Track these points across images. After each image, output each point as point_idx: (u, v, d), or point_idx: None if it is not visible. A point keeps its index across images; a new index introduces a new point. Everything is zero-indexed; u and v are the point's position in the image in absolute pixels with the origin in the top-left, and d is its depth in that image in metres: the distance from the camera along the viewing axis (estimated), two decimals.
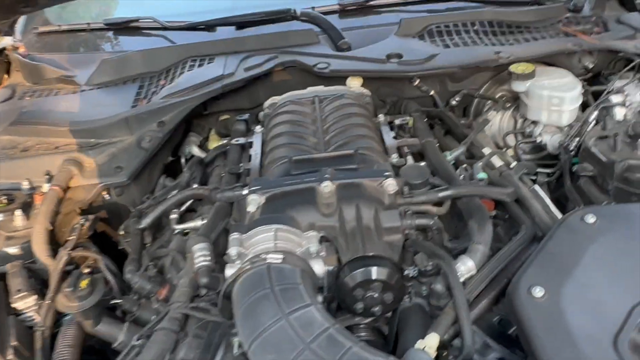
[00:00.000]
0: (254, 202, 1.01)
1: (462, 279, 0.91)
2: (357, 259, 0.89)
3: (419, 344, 0.81)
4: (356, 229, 0.96)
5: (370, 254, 0.90)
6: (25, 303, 1.02)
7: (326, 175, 1.01)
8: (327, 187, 0.98)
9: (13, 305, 1.03)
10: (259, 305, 0.81)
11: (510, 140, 1.48)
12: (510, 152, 1.42)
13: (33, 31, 1.80)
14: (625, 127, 1.22)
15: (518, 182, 1.13)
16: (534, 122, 1.41)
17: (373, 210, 0.98)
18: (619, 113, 1.36)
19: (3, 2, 1.39)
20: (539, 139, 1.40)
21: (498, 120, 1.50)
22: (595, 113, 1.35)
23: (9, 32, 1.72)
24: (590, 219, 0.92)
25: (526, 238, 0.98)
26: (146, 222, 1.16)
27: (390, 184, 0.99)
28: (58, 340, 1.00)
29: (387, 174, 1.02)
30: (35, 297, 1.03)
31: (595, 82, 1.51)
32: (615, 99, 1.38)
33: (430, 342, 0.81)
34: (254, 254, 0.89)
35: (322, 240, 0.94)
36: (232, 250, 0.90)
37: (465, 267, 0.92)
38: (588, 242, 0.88)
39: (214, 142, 1.52)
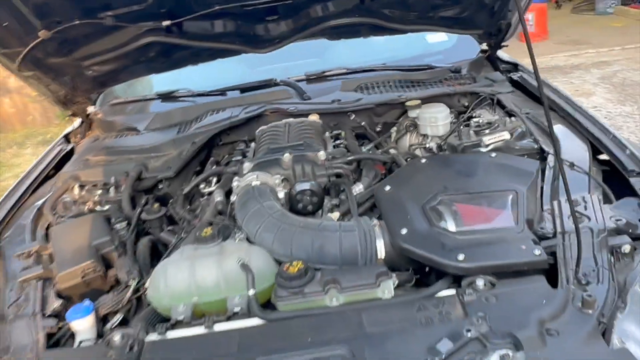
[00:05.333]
0: (247, 166, 1.84)
1: (355, 193, 1.71)
2: (298, 182, 1.71)
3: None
4: (301, 175, 1.77)
5: (305, 180, 1.71)
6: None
7: (287, 153, 1.85)
8: (287, 157, 1.82)
9: None
10: (247, 202, 1.62)
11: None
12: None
13: (108, 104, 2.73)
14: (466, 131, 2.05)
15: (401, 158, 1.94)
16: (426, 135, 2.24)
17: (311, 167, 1.80)
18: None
19: (94, 81, 2.32)
20: (428, 146, 2.23)
21: (408, 138, 2.33)
22: (461, 128, 2.19)
23: (93, 103, 2.64)
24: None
25: None
26: (186, 190, 1.97)
27: (321, 154, 1.82)
28: None
29: (320, 149, 1.85)
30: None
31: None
32: (474, 120, 2.22)
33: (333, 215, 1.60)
34: (245, 183, 1.71)
35: (283, 180, 1.76)
36: (234, 183, 1.72)
37: (358, 188, 1.73)
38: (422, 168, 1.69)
39: None
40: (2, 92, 7.19)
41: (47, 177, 2.29)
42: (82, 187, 2.04)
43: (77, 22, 1.93)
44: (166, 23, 2.05)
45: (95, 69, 2.28)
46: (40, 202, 2.00)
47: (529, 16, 8.07)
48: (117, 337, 1.38)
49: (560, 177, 1.53)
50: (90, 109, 2.63)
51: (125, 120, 2.56)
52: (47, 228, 1.86)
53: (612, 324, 1.25)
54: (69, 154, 2.46)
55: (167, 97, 2.63)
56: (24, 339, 1.41)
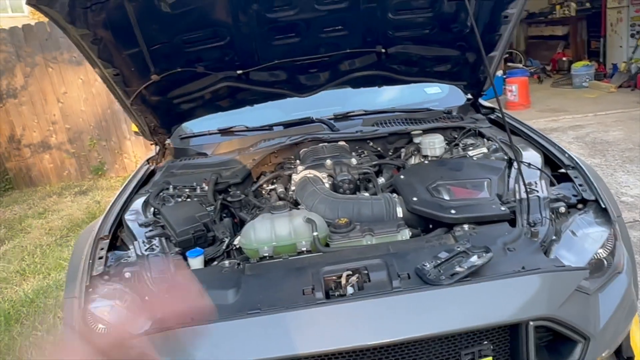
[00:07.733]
0: (300, 168, 2.58)
1: (379, 184, 2.44)
2: (339, 174, 2.45)
3: None
4: (340, 173, 2.51)
5: (345, 172, 2.46)
6: None
7: (328, 159, 2.59)
8: (329, 162, 2.57)
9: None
10: (305, 187, 2.36)
11: None
12: None
13: (178, 137, 3.49)
14: (457, 150, 2.81)
15: (409, 165, 2.69)
16: (427, 156, 2.99)
17: (346, 168, 2.54)
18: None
19: (177, 116, 3.10)
20: None
21: (413, 159, 3.08)
22: (452, 149, 2.95)
23: (169, 135, 3.40)
24: None
25: None
26: (254, 187, 2.69)
27: (353, 160, 2.58)
28: None
29: (352, 158, 2.60)
30: None
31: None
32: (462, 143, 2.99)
33: None
34: (302, 175, 2.45)
35: (328, 176, 2.50)
36: (294, 176, 2.46)
37: (380, 181, 2.46)
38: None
39: None
40: (44, 149, 8.01)
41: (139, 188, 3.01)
42: (174, 187, 2.76)
43: (179, 69, 2.74)
44: (239, 72, 2.86)
45: (181, 107, 3.06)
46: (143, 198, 2.71)
47: (513, 87, 9.10)
48: (226, 262, 2.07)
49: (520, 170, 2.28)
50: (167, 141, 3.39)
51: (195, 148, 3.32)
52: (153, 212, 2.56)
53: (549, 248, 1.95)
54: (152, 173, 3.19)
55: (226, 131, 3.41)
56: (162, 267, 2.08)
